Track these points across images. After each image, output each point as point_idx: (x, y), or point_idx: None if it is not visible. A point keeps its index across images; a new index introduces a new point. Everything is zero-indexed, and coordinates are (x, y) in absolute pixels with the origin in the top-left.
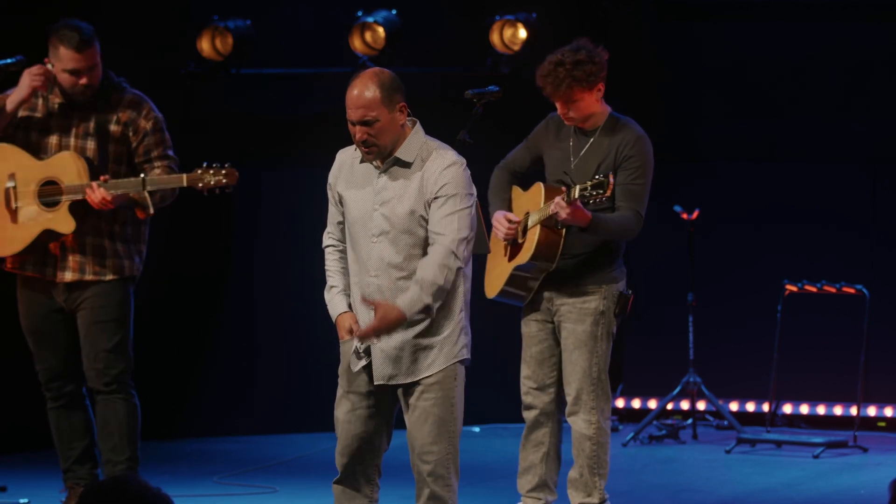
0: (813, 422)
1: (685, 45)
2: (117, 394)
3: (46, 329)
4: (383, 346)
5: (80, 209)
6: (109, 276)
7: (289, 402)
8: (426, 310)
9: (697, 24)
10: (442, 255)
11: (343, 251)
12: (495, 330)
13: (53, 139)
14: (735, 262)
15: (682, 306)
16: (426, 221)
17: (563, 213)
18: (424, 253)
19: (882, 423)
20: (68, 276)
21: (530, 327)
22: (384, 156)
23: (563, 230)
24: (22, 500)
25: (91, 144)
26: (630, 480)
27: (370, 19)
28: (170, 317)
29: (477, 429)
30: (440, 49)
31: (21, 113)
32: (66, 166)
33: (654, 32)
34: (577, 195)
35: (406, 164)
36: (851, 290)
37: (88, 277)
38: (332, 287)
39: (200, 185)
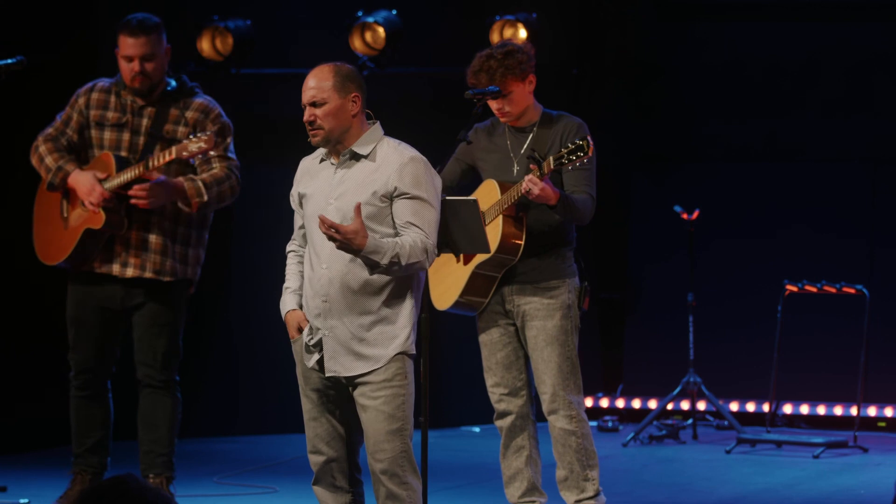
0: (813, 422)
1: (685, 45)
2: (167, 390)
3: (91, 322)
4: (332, 340)
5: (109, 202)
6: (167, 278)
7: (288, 401)
8: (376, 265)
9: (697, 24)
10: (421, 246)
11: (302, 256)
12: None
13: (125, 136)
14: (735, 263)
15: (682, 306)
16: (381, 213)
17: (537, 189)
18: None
19: (882, 424)
20: (129, 272)
21: (492, 334)
22: (330, 143)
23: (525, 219)
24: (22, 501)
25: (153, 143)
26: (630, 480)
27: (370, 19)
28: None
29: (477, 429)
30: (440, 49)
31: (93, 112)
32: (100, 166)
33: (654, 32)
34: (552, 165)
35: (362, 158)
36: (851, 291)
37: (148, 275)
38: (286, 288)
39: (185, 153)
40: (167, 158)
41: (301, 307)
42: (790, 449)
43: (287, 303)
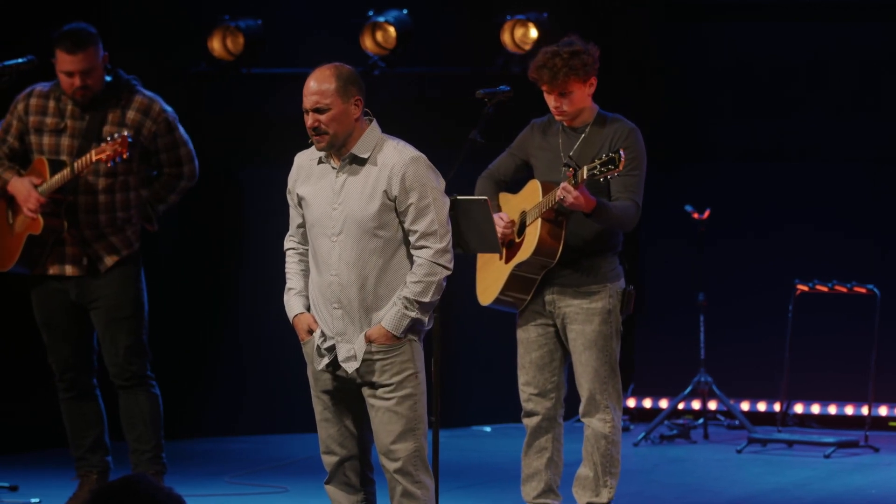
0: (824, 421)
1: (691, 45)
2: (139, 387)
3: (60, 322)
4: (346, 343)
5: (46, 207)
6: (115, 268)
7: (297, 401)
8: (416, 324)
9: (704, 24)
10: (426, 269)
11: (303, 253)
12: (505, 330)
13: (65, 141)
14: (746, 262)
15: (692, 306)
16: (387, 216)
17: (570, 198)
18: (386, 248)
19: (893, 423)
20: (69, 270)
21: (529, 332)
22: (335, 147)
23: (564, 223)
24: (33, 500)
25: (89, 146)
26: (641, 480)
27: (381, 19)
28: (177, 316)
29: (488, 428)
30: (451, 49)
31: (32, 118)
32: (35, 172)
33: (661, 33)
34: (585, 175)
35: (362, 161)
36: (862, 290)
37: (98, 269)
38: (289, 289)
39: (104, 157)
40: (91, 161)
41: (308, 309)
42: (801, 448)
43: (294, 306)
